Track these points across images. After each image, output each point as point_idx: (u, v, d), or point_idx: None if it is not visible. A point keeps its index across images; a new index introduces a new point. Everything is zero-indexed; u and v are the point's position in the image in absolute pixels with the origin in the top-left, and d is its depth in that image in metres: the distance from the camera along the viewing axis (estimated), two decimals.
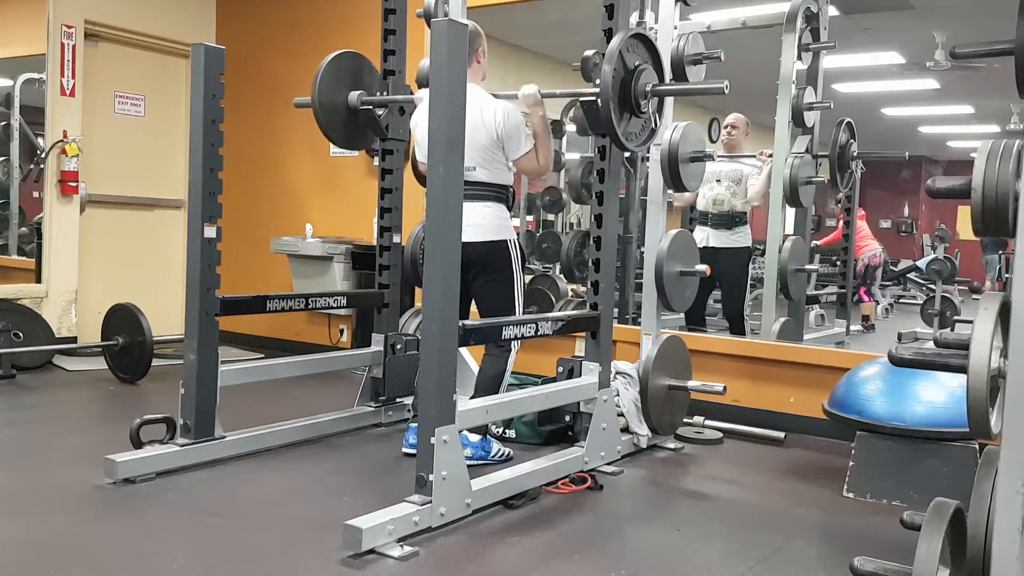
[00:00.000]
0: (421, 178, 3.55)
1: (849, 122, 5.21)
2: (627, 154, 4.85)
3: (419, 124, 3.50)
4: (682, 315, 4.63)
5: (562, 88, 3.48)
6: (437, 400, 2.60)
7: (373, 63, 3.78)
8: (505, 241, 3.43)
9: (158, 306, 5.58)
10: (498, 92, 3.41)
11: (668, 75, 3.51)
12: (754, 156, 5.11)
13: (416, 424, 3.38)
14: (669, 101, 3.78)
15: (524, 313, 3.55)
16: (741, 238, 5.12)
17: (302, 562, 2.41)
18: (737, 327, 5.12)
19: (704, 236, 5.12)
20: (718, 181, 5.13)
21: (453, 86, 2.60)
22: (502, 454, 3.47)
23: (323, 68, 3.54)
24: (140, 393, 4.62)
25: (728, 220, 5.10)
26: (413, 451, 3.40)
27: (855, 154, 5.28)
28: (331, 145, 5.75)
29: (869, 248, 8.35)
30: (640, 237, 4.78)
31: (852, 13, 6.38)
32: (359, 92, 3.64)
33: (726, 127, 5.27)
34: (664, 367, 3.67)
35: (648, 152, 3.78)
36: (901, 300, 9.66)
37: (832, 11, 5.32)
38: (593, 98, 3.04)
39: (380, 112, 3.69)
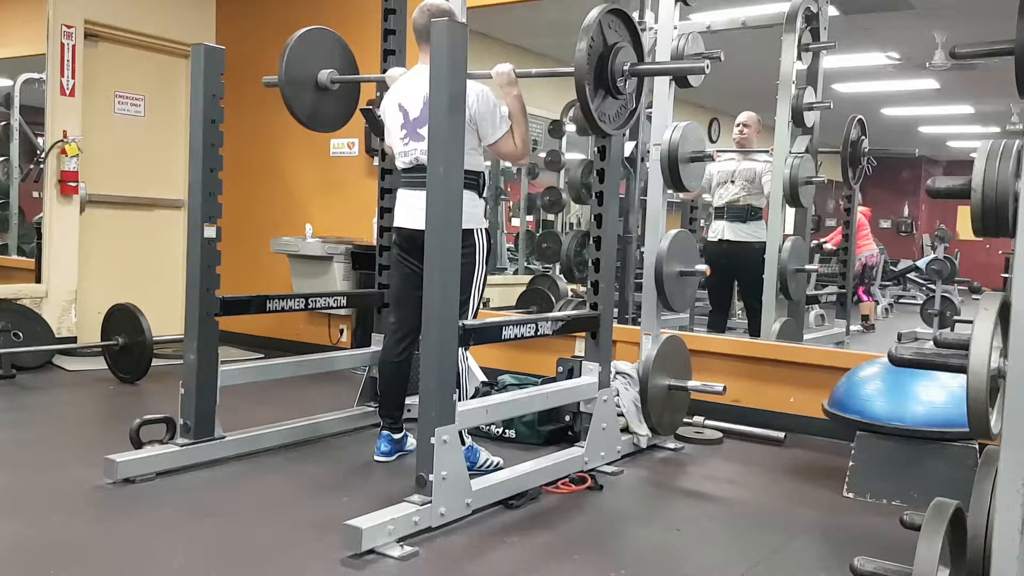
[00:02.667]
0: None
1: (860, 119, 5.26)
2: (626, 155, 4.86)
3: (387, 111, 3.35)
4: (683, 315, 4.62)
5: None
6: (437, 400, 2.59)
7: (348, 44, 3.71)
8: (471, 231, 3.10)
9: (158, 306, 5.58)
10: (471, 72, 3.26)
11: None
12: (766, 151, 5.11)
13: (387, 432, 3.40)
14: (665, 91, 3.76)
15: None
16: (756, 232, 5.16)
17: (302, 562, 2.41)
18: (756, 320, 5.08)
19: (720, 229, 5.28)
20: (732, 182, 5.22)
21: (454, 87, 2.60)
22: (491, 464, 3.25)
23: (291, 44, 3.48)
24: (140, 393, 4.62)
25: (743, 214, 5.20)
26: (384, 459, 3.40)
27: (866, 150, 5.30)
28: (331, 145, 5.78)
29: (867, 248, 8.36)
30: (640, 237, 4.77)
31: (852, 13, 6.38)
32: (329, 71, 3.59)
33: (738, 125, 5.30)
34: (664, 367, 3.67)
35: (648, 152, 3.77)
36: (901, 300, 9.65)
37: (832, 11, 5.32)
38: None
39: (380, 113, 3.69)
